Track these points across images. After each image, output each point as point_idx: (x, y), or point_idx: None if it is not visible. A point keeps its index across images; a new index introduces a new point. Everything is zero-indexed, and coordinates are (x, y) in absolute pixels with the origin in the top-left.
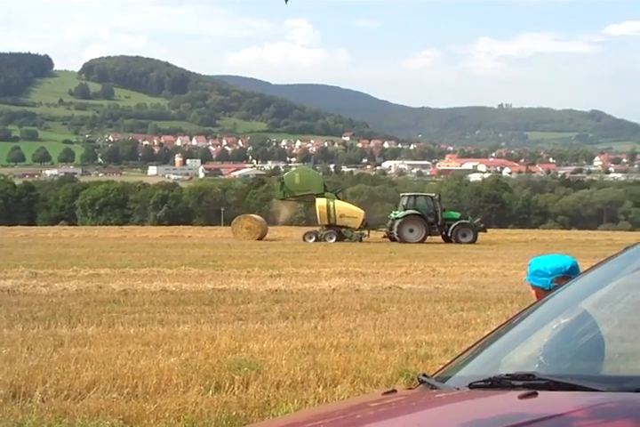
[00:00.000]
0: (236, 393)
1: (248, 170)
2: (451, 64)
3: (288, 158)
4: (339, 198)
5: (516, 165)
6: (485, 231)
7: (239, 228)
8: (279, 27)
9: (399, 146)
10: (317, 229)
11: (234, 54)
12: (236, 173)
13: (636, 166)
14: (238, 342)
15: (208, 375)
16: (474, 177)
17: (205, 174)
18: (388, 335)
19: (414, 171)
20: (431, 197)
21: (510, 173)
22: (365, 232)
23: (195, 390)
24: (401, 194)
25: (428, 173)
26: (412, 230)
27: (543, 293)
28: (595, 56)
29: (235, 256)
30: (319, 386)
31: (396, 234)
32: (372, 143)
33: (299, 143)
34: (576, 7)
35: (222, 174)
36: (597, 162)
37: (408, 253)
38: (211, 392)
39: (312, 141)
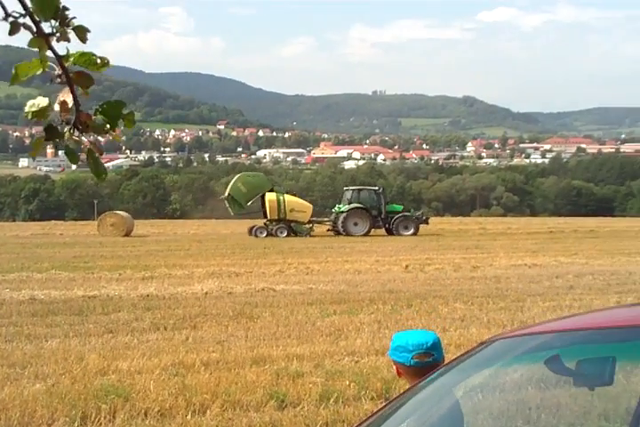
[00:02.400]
0: (103, 426)
1: (121, 160)
2: (325, 51)
3: (162, 148)
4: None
5: (390, 151)
6: (427, 223)
7: (104, 225)
8: (153, 14)
9: (274, 134)
10: (264, 223)
11: (106, 42)
12: (110, 164)
13: (507, 151)
14: (107, 362)
15: (74, 405)
16: (348, 164)
17: (78, 166)
18: (260, 348)
19: (289, 159)
20: (374, 191)
21: (385, 160)
22: (313, 226)
23: (60, 423)
24: (345, 188)
25: (303, 161)
26: (356, 224)
27: (404, 368)
28: (467, 42)
29: (106, 256)
30: (188, 413)
31: (341, 228)
32: (247, 132)
33: (173, 132)
34: None
35: None
36: (470, 147)
37: (282, 248)
38: (76, 424)
39: (186, 131)
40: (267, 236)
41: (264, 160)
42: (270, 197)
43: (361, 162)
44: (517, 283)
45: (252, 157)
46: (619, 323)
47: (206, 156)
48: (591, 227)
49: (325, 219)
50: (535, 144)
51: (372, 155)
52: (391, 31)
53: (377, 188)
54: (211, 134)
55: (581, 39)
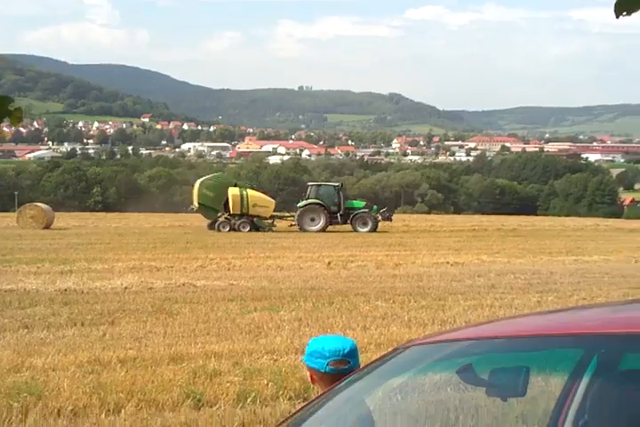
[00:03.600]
0: (14, 425)
1: (43, 152)
2: (252, 46)
3: (85, 140)
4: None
5: (316, 147)
6: (391, 220)
7: (24, 217)
8: (78, 5)
9: (199, 128)
10: (225, 217)
11: (30, 33)
12: (31, 155)
13: (432, 149)
14: (21, 358)
15: None
16: (273, 159)
17: None
18: (178, 346)
19: (214, 153)
20: (334, 187)
21: (310, 156)
22: (274, 221)
23: None
24: (308, 183)
25: (228, 156)
26: (313, 219)
27: (319, 375)
28: (394, 40)
29: (25, 249)
30: (102, 412)
31: (297, 223)
32: (172, 125)
33: (96, 125)
34: None
35: (16, 156)
36: (395, 144)
37: (205, 243)
38: None
39: (110, 123)
40: (230, 230)
41: (188, 154)
42: (233, 191)
43: (286, 157)
44: (439, 281)
45: (177, 150)
46: (533, 331)
47: (130, 148)
48: (514, 226)
49: (287, 214)
50: (460, 142)
51: (298, 150)
52: (318, 27)
53: (337, 184)
54: (135, 127)
55: (508, 39)
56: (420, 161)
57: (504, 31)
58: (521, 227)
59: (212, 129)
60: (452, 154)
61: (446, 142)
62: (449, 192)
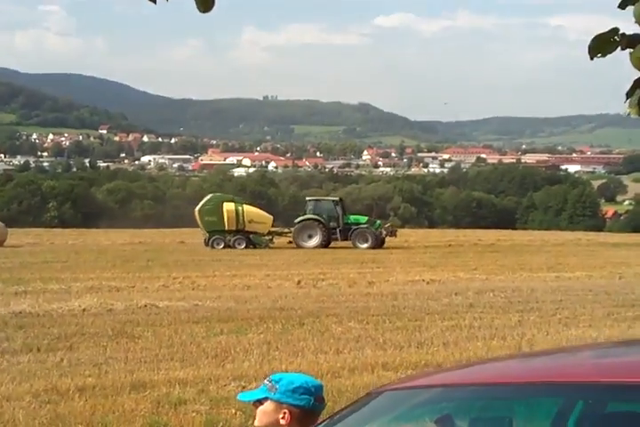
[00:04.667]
0: None
1: None
2: (215, 54)
3: (39, 152)
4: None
5: (282, 159)
6: (395, 236)
7: None
8: (31, 12)
9: (159, 139)
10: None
11: None
12: None
13: (404, 161)
14: None
15: None
16: (238, 172)
17: None
18: (140, 372)
19: (175, 165)
20: (333, 201)
21: (276, 168)
22: (273, 238)
23: None
24: (306, 198)
25: (190, 168)
26: (310, 236)
27: (301, 412)
28: (364, 48)
29: None
30: None
31: (293, 239)
32: (131, 137)
33: (51, 136)
34: None
35: None
36: (366, 156)
37: (167, 260)
38: None
39: (66, 135)
40: (224, 247)
41: (148, 166)
42: (228, 207)
43: (251, 169)
44: (415, 300)
45: (136, 163)
46: (514, 379)
47: (87, 161)
48: (492, 240)
49: (286, 230)
50: (434, 153)
51: (263, 162)
52: (284, 35)
53: (336, 198)
54: (92, 139)
55: (481, 47)
56: (392, 173)
57: (477, 39)
58: (499, 242)
59: (173, 141)
60: (426, 166)
61: (419, 154)
62: (423, 205)
